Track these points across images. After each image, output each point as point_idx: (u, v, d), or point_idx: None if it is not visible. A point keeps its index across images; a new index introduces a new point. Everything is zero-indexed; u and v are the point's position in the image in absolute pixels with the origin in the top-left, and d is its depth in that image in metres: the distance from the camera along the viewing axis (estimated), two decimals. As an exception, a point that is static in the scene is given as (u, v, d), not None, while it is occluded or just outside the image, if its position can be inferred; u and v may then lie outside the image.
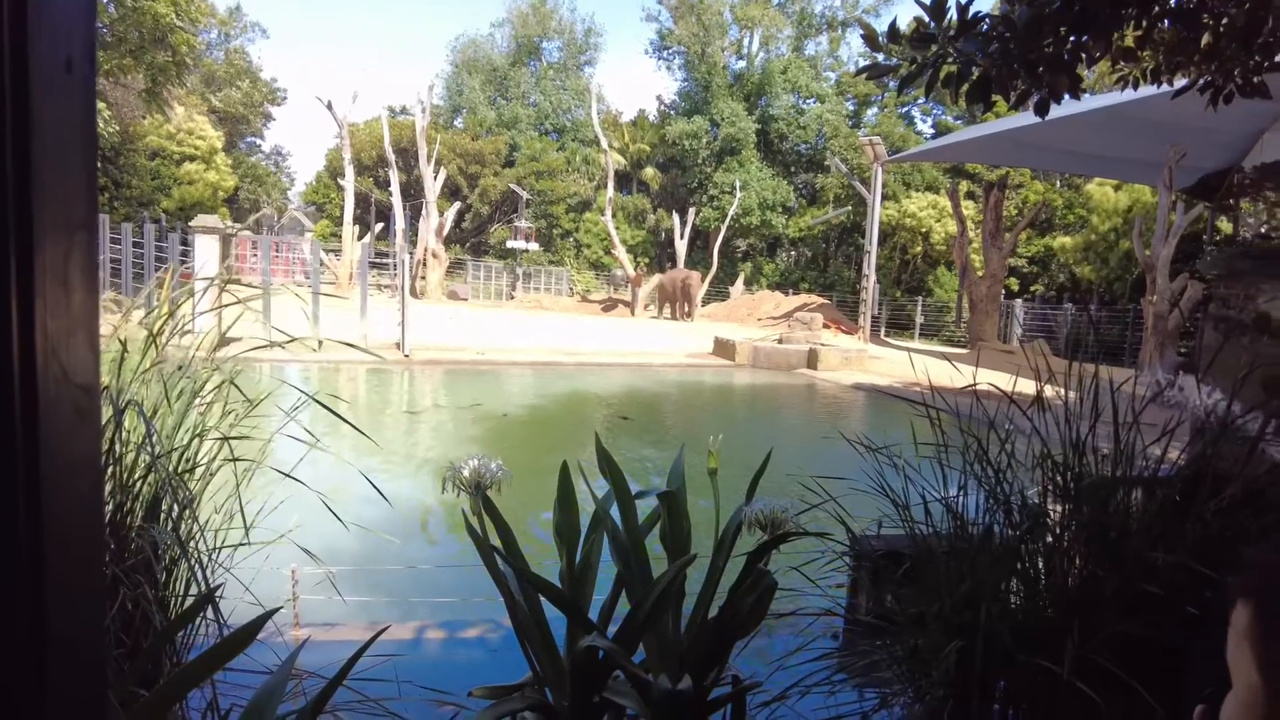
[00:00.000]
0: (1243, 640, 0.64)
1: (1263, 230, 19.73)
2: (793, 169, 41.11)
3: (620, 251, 32.67)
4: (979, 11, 2.17)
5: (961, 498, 2.11)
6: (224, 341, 2.57)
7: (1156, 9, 2.21)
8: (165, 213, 30.69)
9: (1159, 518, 1.93)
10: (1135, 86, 2.79)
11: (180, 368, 2.35)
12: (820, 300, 29.81)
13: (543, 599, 1.92)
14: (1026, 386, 2.26)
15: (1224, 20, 2.24)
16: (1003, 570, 2.01)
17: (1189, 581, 1.73)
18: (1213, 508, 1.89)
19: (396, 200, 32.11)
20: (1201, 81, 2.56)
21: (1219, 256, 2.87)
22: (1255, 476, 1.97)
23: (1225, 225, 18.14)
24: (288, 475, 2.31)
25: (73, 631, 0.41)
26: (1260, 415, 2.06)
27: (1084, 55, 2.27)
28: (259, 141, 46.92)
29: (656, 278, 35.18)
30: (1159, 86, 2.74)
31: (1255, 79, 2.43)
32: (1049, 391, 2.20)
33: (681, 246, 33.64)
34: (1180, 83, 2.65)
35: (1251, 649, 0.62)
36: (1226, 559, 1.77)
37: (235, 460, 2.29)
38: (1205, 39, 2.29)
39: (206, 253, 13.72)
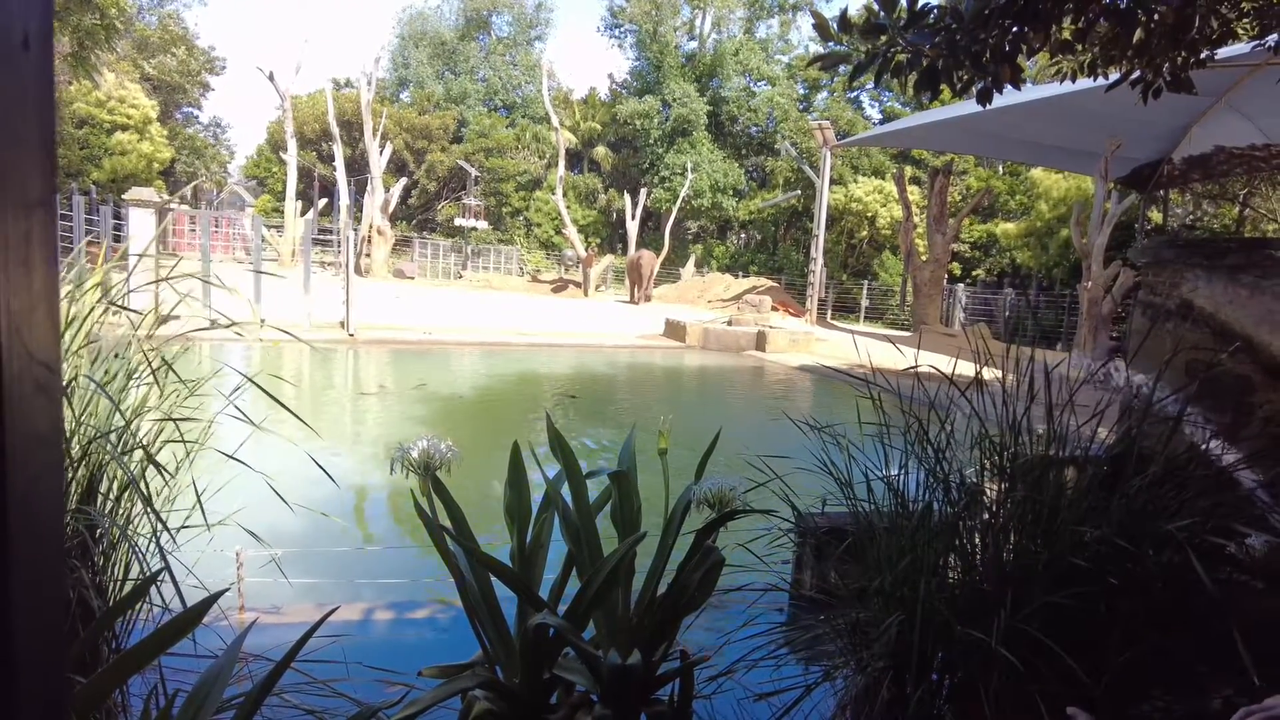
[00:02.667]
0: None
1: (1188, 220, 20.53)
2: (743, 151, 41.25)
3: (571, 231, 32.45)
4: (927, 3, 2.22)
5: (902, 476, 2.18)
6: (162, 320, 2.49)
7: (1093, 4, 2.28)
8: (96, 184, 29.34)
9: (1088, 495, 2.03)
10: (1073, 79, 2.88)
11: (126, 346, 2.28)
12: (769, 283, 30.11)
13: (493, 578, 1.94)
14: (967, 369, 2.34)
15: (1155, 17, 2.33)
16: (941, 546, 2.08)
17: (1113, 554, 1.83)
18: (1136, 485, 1.98)
19: (341, 175, 31.29)
20: (1134, 76, 2.66)
21: (1147, 245, 2.99)
22: (1175, 455, 2.08)
23: (1157, 215, 18.85)
24: (230, 457, 2.27)
25: (38, 604, 0.41)
26: (1181, 397, 2.17)
27: (1025, 47, 2.34)
28: (196, 112, 45.14)
29: (609, 258, 35.08)
30: (1095, 79, 2.84)
31: (1182, 74, 2.53)
32: (988, 373, 2.28)
33: (633, 227, 33.58)
34: (1116, 76, 2.75)
35: None
36: (1147, 532, 1.87)
37: (177, 442, 2.24)
38: (1137, 35, 2.38)
39: (141, 227, 13.21)
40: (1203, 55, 2.54)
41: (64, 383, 2.00)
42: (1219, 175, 14.14)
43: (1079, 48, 2.55)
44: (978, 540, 2.16)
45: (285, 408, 2.33)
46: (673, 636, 2.05)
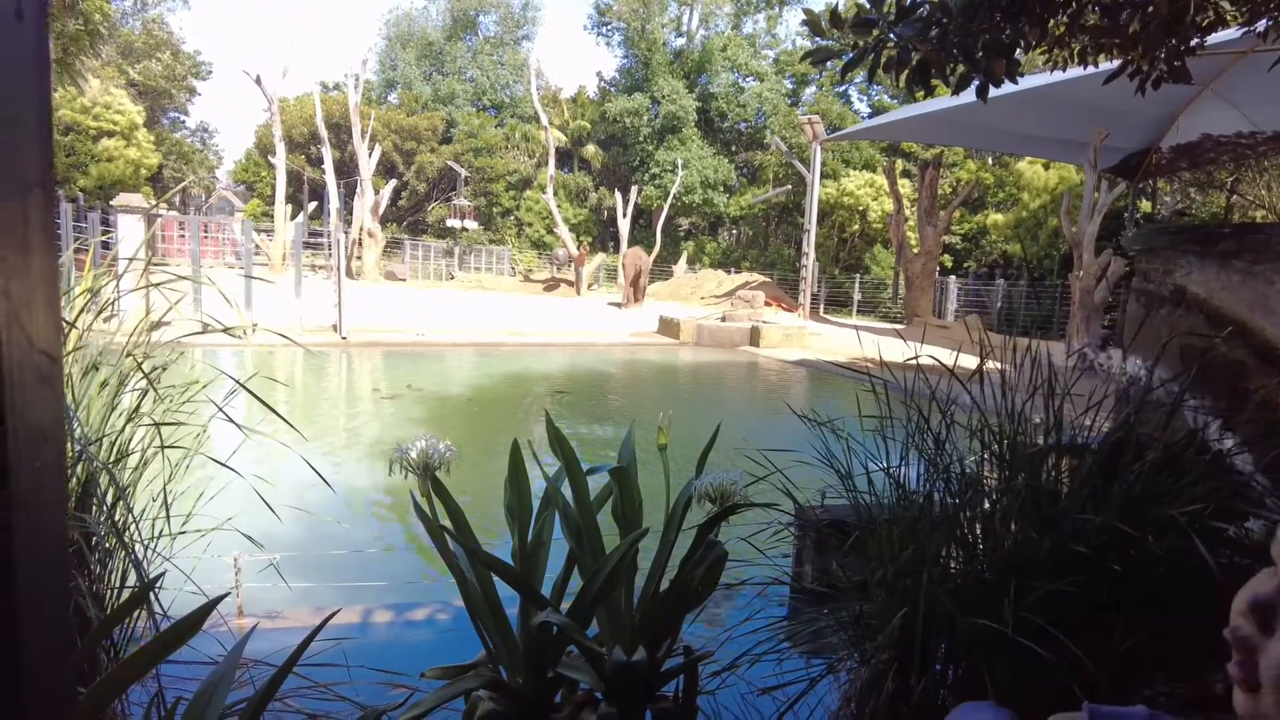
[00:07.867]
0: None
1: (1178, 207, 20.62)
2: (733, 147, 41.27)
3: (563, 230, 32.39)
4: (916, -3, 2.21)
5: (903, 468, 2.17)
6: (153, 326, 2.47)
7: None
8: (83, 191, 29.13)
9: (1087, 482, 2.03)
10: (1064, 69, 2.87)
11: (118, 351, 2.25)
12: (761, 278, 30.11)
13: (495, 578, 1.92)
14: (963, 360, 2.33)
15: (1149, 8, 2.32)
16: (942, 536, 2.08)
17: (1115, 540, 1.83)
18: (1135, 471, 1.98)
19: (330, 178, 31.18)
20: (1130, 67, 2.66)
21: (1140, 233, 3.00)
22: (1173, 441, 2.08)
23: (1146, 204, 18.94)
24: (222, 465, 2.24)
25: (43, 602, 0.40)
26: (1178, 383, 2.17)
27: (1021, 41, 2.33)
28: (183, 117, 44.84)
29: (601, 256, 35.04)
30: (1085, 69, 2.83)
31: (1177, 63, 2.53)
32: (986, 364, 2.28)
33: (624, 225, 33.55)
34: (1106, 65, 2.74)
35: None
36: (1148, 517, 1.87)
37: (171, 447, 2.21)
38: (1133, 25, 2.38)
39: (130, 233, 13.11)
40: (1193, 43, 2.54)
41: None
42: (1206, 163, 14.22)
43: (1071, 39, 2.55)
44: (979, 530, 2.15)
45: (275, 412, 2.31)
46: (676, 632, 2.04)
